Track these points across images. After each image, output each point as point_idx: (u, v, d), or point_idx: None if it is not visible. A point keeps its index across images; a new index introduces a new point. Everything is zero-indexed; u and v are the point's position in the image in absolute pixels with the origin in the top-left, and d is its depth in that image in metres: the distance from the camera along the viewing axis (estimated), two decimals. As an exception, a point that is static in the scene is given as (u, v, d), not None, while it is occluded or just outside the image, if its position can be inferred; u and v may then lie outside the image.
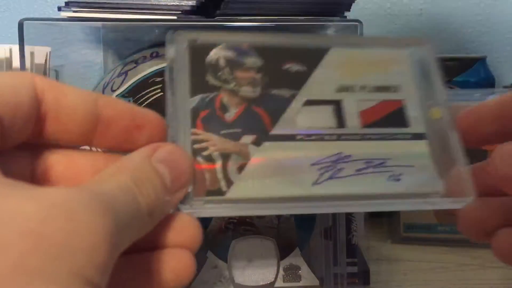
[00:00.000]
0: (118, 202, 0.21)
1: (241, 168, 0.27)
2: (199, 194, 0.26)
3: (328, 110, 0.29)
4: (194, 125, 0.27)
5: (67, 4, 0.52)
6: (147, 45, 0.58)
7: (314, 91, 0.29)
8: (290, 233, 0.52)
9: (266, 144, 0.28)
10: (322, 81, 0.30)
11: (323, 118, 0.29)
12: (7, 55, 0.56)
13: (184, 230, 0.25)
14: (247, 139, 0.28)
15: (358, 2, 0.54)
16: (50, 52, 0.57)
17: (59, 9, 0.53)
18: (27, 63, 0.51)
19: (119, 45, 0.69)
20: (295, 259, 0.51)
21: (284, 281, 0.51)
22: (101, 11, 0.51)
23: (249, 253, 0.50)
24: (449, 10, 0.79)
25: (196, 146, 0.27)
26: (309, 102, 0.29)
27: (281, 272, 0.51)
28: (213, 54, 0.29)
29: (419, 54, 0.31)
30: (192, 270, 0.25)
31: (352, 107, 0.30)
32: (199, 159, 0.26)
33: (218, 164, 0.27)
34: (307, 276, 0.51)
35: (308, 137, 0.28)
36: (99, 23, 0.63)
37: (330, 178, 0.28)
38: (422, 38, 0.31)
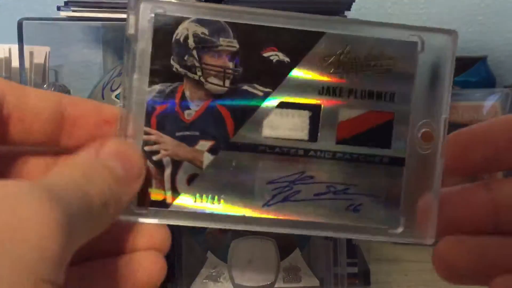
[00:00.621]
0: (67, 195, 0.20)
1: (190, 179, 0.25)
2: (142, 203, 0.25)
3: (303, 116, 0.26)
4: (148, 122, 0.25)
5: (66, 3, 0.52)
6: (147, 45, 0.58)
7: (293, 90, 0.26)
8: (290, 234, 0.51)
9: (223, 153, 0.25)
10: (305, 78, 0.26)
11: (294, 126, 0.26)
12: (6, 54, 0.56)
13: (153, 233, 0.25)
14: (204, 145, 0.25)
15: (358, 1, 0.54)
16: (49, 52, 0.57)
17: (59, 8, 0.53)
18: (26, 63, 0.51)
19: (118, 44, 0.69)
20: (295, 259, 0.51)
21: (284, 282, 0.51)
22: (100, 11, 0.51)
23: (249, 254, 0.49)
24: (449, 10, 0.79)
25: (147, 148, 0.25)
26: (284, 105, 0.26)
27: (281, 272, 0.51)
28: (182, 30, 0.25)
29: (434, 51, 0.26)
30: (164, 271, 0.25)
31: (332, 115, 0.26)
32: (148, 163, 0.25)
33: (167, 172, 0.25)
34: (307, 276, 0.51)
35: (271, 150, 0.26)
36: (99, 23, 0.63)
37: (284, 200, 0.26)
38: (445, 29, 0.26)
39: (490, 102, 0.62)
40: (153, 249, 0.25)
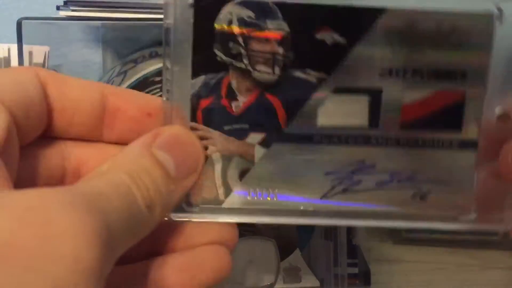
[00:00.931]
0: (107, 200, 0.19)
1: (243, 174, 0.24)
2: (194, 201, 0.24)
3: (363, 102, 0.24)
4: (193, 117, 0.24)
5: (66, 3, 0.52)
6: (147, 45, 0.58)
7: (350, 74, 0.23)
8: (290, 234, 0.51)
9: (276, 146, 0.24)
10: (364, 60, 0.23)
11: (353, 113, 0.24)
12: (6, 54, 0.56)
13: (218, 227, 0.24)
14: (255, 138, 0.24)
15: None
16: (48, 52, 0.57)
17: (58, 8, 0.53)
18: (26, 63, 0.51)
19: (118, 44, 0.69)
20: (296, 260, 0.51)
21: (284, 282, 0.51)
22: (100, 10, 0.51)
23: (249, 254, 0.49)
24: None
25: None
26: (340, 90, 0.23)
27: (282, 273, 0.50)
28: (225, 14, 0.23)
29: None
30: (230, 266, 0.24)
31: (395, 98, 0.24)
32: None
33: (218, 168, 0.24)
34: (307, 277, 0.51)
35: (329, 139, 0.24)
36: (98, 22, 0.63)
37: (344, 191, 0.24)
38: None
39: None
40: (218, 243, 0.24)
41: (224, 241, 0.24)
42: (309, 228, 0.52)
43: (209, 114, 0.24)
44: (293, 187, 0.24)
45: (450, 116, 0.24)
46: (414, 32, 0.23)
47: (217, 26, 0.23)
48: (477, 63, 0.23)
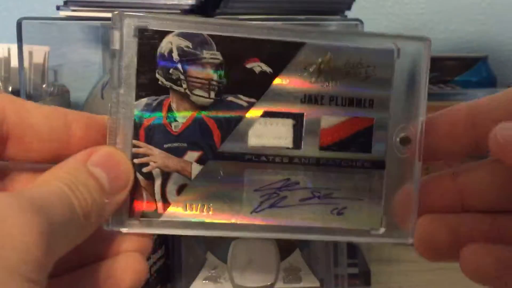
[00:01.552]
0: (51, 206, 0.21)
1: (180, 189, 0.26)
2: (134, 214, 0.26)
3: (287, 125, 0.27)
4: (136, 135, 0.26)
5: (65, 3, 0.52)
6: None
7: (276, 100, 0.26)
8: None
9: (211, 163, 0.26)
10: (287, 87, 0.26)
11: (279, 134, 0.27)
12: (5, 54, 0.56)
13: (136, 237, 0.26)
14: (192, 156, 0.26)
15: (359, 1, 0.54)
16: (48, 52, 0.57)
17: (58, 8, 0.53)
18: (26, 63, 0.51)
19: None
20: (296, 260, 0.51)
21: (284, 282, 0.51)
22: (100, 10, 0.51)
23: (249, 254, 0.49)
24: (450, 9, 0.79)
25: (136, 160, 0.26)
26: (268, 114, 0.26)
27: (281, 273, 0.50)
28: (166, 44, 0.25)
29: (410, 58, 0.27)
30: (147, 271, 0.26)
31: (314, 123, 0.27)
32: (138, 175, 0.25)
33: (157, 183, 0.26)
34: (307, 277, 0.51)
35: (257, 158, 0.26)
36: (98, 22, 0.63)
37: (271, 206, 0.27)
38: (419, 36, 0.27)
39: (491, 102, 0.62)
40: (136, 251, 0.25)
41: (142, 250, 0.26)
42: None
43: (151, 133, 0.26)
44: (226, 202, 0.26)
45: (362, 139, 0.27)
46: (328, 64, 0.26)
47: (159, 53, 0.25)
48: (382, 93, 0.27)
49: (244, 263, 0.49)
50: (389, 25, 0.79)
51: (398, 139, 0.27)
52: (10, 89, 0.56)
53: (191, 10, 0.51)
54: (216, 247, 0.50)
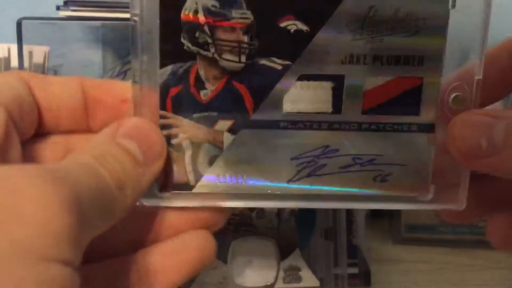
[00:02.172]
0: (76, 176, 0.19)
1: (212, 160, 0.25)
2: (165, 187, 0.25)
3: (326, 88, 0.25)
4: (163, 106, 0.24)
5: (65, 3, 0.52)
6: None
7: (313, 61, 0.24)
8: (290, 234, 0.51)
9: (244, 132, 0.25)
10: (327, 47, 0.24)
11: (317, 99, 0.25)
12: (5, 54, 0.56)
13: (198, 212, 0.25)
14: (223, 125, 0.25)
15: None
16: (48, 52, 0.57)
17: (58, 8, 0.53)
18: (26, 63, 0.51)
19: (118, 44, 0.69)
20: (296, 260, 0.51)
21: (284, 282, 0.51)
22: (100, 10, 0.51)
23: (249, 254, 0.49)
24: (450, 9, 0.79)
25: (165, 132, 0.24)
26: (304, 77, 0.24)
27: (281, 273, 0.50)
28: (190, 4, 0.23)
29: (467, 7, 0.24)
30: (214, 247, 0.25)
31: (357, 84, 0.25)
32: (168, 148, 0.24)
33: (188, 155, 0.25)
34: (307, 277, 0.51)
35: (294, 125, 0.25)
36: (98, 22, 0.63)
37: (309, 175, 0.25)
38: None
39: (491, 102, 0.62)
40: (199, 228, 0.25)
41: (206, 225, 0.25)
42: (309, 228, 0.52)
43: (178, 103, 0.24)
44: (260, 172, 0.25)
45: (409, 100, 0.25)
46: (372, 19, 0.24)
47: (183, 16, 0.23)
48: (433, 48, 0.24)
49: (244, 263, 0.49)
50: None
51: (450, 100, 0.25)
52: (10, 89, 0.56)
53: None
54: (216, 246, 0.50)
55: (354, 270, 0.52)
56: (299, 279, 0.51)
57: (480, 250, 0.60)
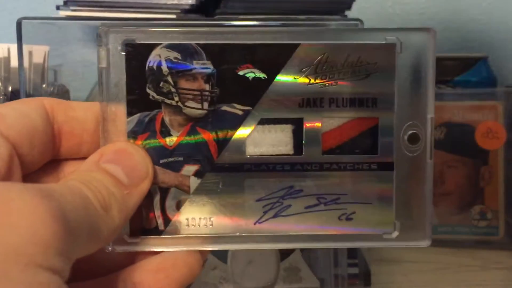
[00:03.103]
0: (62, 194, 0.20)
1: (179, 204, 0.25)
2: (134, 233, 0.25)
3: (286, 131, 0.26)
4: None
5: (65, 3, 0.52)
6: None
7: (273, 106, 0.25)
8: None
9: (209, 175, 0.25)
10: (284, 91, 0.25)
11: (278, 142, 0.26)
12: (5, 54, 0.56)
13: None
14: (189, 169, 0.25)
15: (359, 0, 0.54)
16: (48, 51, 0.57)
17: (58, 8, 0.53)
18: (25, 63, 0.51)
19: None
20: (296, 260, 0.51)
21: (284, 282, 0.50)
22: (99, 10, 0.51)
23: (249, 254, 0.49)
24: (450, 9, 0.79)
25: None
26: (265, 121, 0.26)
27: (282, 273, 0.50)
28: (154, 57, 0.25)
29: (414, 51, 0.26)
30: (201, 263, 0.25)
31: (315, 127, 0.26)
32: None
33: (156, 199, 0.25)
34: (307, 277, 0.51)
35: (258, 168, 0.26)
36: (98, 22, 0.63)
37: (275, 216, 0.26)
38: (422, 27, 0.26)
39: (491, 102, 0.62)
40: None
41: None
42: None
43: (145, 150, 0.25)
44: (227, 214, 0.26)
45: (367, 140, 0.26)
46: (326, 64, 0.25)
47: (147, 68, 0.25)
48: (385, 91, 0.26)
49: (244, 263, 0.49)
50: (389, 25, 0.79)
51: (406, 138, 0.26)
52: (10, 89, 0.56)
53: (191, 10, 0.51)
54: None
55: (354, 270, 0.52)
56: (299, 279, 0.51)
57: (480, 250, 0.60)
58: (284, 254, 0.50)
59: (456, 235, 0.62)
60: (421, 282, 0.55)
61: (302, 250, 0.51)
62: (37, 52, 0.55)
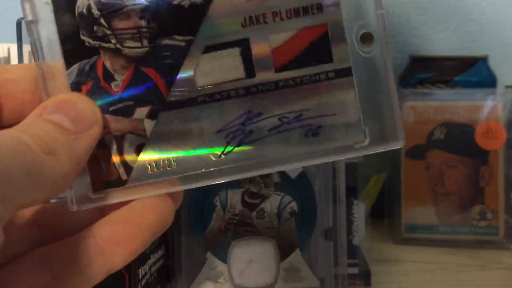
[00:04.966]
0: None
1: (138, 149, 0.24)
2: (97, 187, 0.24)
3: (234, 54, 0.24)
4: None
5: (65, 2, 0.52)
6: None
7: (215, 31, 0.24)
8: (290, 234, 0.51)
9: (163, 115, 0.24)
10: (224, 13, 0.24)
11: (228, 67, 0.24)
12: (5, 54, 0.56)
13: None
14: (141, 112, 0.24)
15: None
16: (48, 51, 0.57)
17: (58, 8, 0.53)
18: (25, 62, 0.51)
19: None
20: (296, 260, 0.51)
21: (284, 282, 0.50)
22: (100, 10, 0.51)
23: (249, 254, 0.49)
24: (450, 9, 0.79)
25: None
26: (210, 48, 0.24)
27: (282, 273, 0.50)
28: (82, 1, 0.24)
29: None
30: (173, 208, 0.24)
31: (263, 45, 0.24)
32: None
33: (113, 149, 0.24)
34: (307, 277, 0.51)
35: (211, 98, 0.24)
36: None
37: (239, 144, 0.24)
38: None
39: (491, 102, 0.62)
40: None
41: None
42: (309, 228, 0.52)
43: (92, 99, 0.24)
44: (190, 152, 0.24)
45: (319, 49, 0.24)
46: None
47: (77, 13, 0.23)
48: None
49: (244, 263, 0.49)
50: (389, 24, 0.79)
51: (359, 39, 0.24)
52: (10, 89, 0.56)
53: None
54: (216, 247, 0.50)
55: (354, 270, 0.52)
56: (299, 279, 0.51)
57: (480, 250, 0.60)
58: (284, 254, 0.50)
59: (456, 235, 0.62)
60: (421, 282, 0.55)
61: (302, 250, 0.51)
62: (37, 52, 0.55)
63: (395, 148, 0.25)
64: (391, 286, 0.54)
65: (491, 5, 0.78)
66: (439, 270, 0.57)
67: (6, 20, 0.77)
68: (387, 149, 0.25)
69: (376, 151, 0.25)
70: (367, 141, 0.25)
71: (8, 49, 0.56)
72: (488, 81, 0.68)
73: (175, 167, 0.24)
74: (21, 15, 0.50)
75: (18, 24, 0.48)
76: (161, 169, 0.24)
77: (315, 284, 0.51)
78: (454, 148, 0.63)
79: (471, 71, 0.68)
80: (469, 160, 0.62)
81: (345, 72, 0.25)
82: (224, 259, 0.50)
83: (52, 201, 0.27)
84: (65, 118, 0.22)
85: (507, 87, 0.67)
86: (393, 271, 0.57)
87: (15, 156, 0.19)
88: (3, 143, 0.19)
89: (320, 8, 0.24)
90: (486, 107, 0.62)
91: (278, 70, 0.24)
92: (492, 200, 0.62)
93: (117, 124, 0.24)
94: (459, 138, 0.62)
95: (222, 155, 0.25)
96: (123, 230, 0.23)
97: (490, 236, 0.62)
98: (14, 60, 0.54)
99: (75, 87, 0.24)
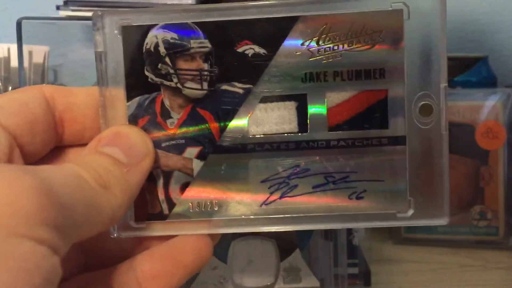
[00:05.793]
0: (51, 173, 0.19)
1: (183, 187, 0.25)
2: (140, 218, 0.25)
3: (290, 108, 0.25)
4: None
5: (65, 3, 0.52)
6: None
7: (274, 82, 0.24)
8: (290, 234, 0.51)
9: (212, 157, 0.25)
10: (285, 67, 0.24)
11: (282, 119, 0.25)
12: (5, 54, 0.56)
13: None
14: (191, 152, 0.25)
15: (359, 1, 0.54)
16: (48, 51, 0.57)
17: (58, 8, 0.53)
18: (25, 63, 0.51)
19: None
20: (296, 260, 0.51)
21: (284, 282, 0.50)
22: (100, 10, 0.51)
23: (249, 254, 0.49)
24: (451, 9, 0.79)
25: None
26: (267, 99, 0.25)
27: (281, 273, 0.50)
28: (151, 39, 0.24)
29: (423, 17, 0.24)
30: (211, 248, 0.25)
31: (320, 102, 0.25)
32: None
33: (160, 184, 0.25)
34: (307, 277, 0.51)
35: (261, 147, 0.25)
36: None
37: (281, 197, 0.25)
38: None
39: (491, 102, 0.62)
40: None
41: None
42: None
43: (146, 133, 0.25)
44: (233, 197, 0.25)
45: (376, 114, 0.24)
46: (328, 35, 0.24)
47: (145, 50, 0.24)
48: (393, 60, 0.24)
49: (244, 263, 0.49)
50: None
51: (418, 109, 0.24)
52: (10, 89, 0.56)
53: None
54: (216, 247, 0.50)
55: (354, 270, 0.52)
56: (299, 279, 0.51)
57: (480, 250, 0.60)
58: (284, 254, 0.50)
59: (456, 235, 0.62)
60: (421, 282, 0.55)
61: (302, 250, 0.51)
62: (37, 52, 0.55)
63: (438, 225, 0.25)
64: (391, 286, 0.54)
65: (491, 5, 0.78)
66: (439, 270, 0.57)
67: (6, 20, 0.77)
68: (429, 225, 0.25)
69: (418, 225, 0.25)
70: (410, 212, 0.25)
71: (8, 49, 0.56)
72: (488, 81, 0.68)
73: (216, 209, 0.25)
74: (21, 15, 0.50)
75: (18, 24, 0.48)
76: (203, 209, 0.25)
77: (315, 284, 0.51)
78: (454, 148, 0.63)
79: (471, 71, 0.68)
80: (469, 160, 0.62)
81: (399, 141, 0.25)
82: (224, 259, 0.50)
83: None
84: (119, 150, 0.23)
85: (507, 87, 0.67)
86: (393, 271, 0.57)
87: (75, 190, 0.20)
88: (63, 177, 0.20)
89: (383, 73, 0.24)
90: (486, 107, 0.62)
91: (332, 129, 0.25)
92: (492, 200, 0.62)
93: (167, 160, 0.25)
94: (459, 138, 0.62)
95: (263, 205, 0.25)
96: (162, 266, 0.24)
97: (490, 236, 0.62)
98: (14, 60, 0.54)
99: (133, 119, 0.25)
